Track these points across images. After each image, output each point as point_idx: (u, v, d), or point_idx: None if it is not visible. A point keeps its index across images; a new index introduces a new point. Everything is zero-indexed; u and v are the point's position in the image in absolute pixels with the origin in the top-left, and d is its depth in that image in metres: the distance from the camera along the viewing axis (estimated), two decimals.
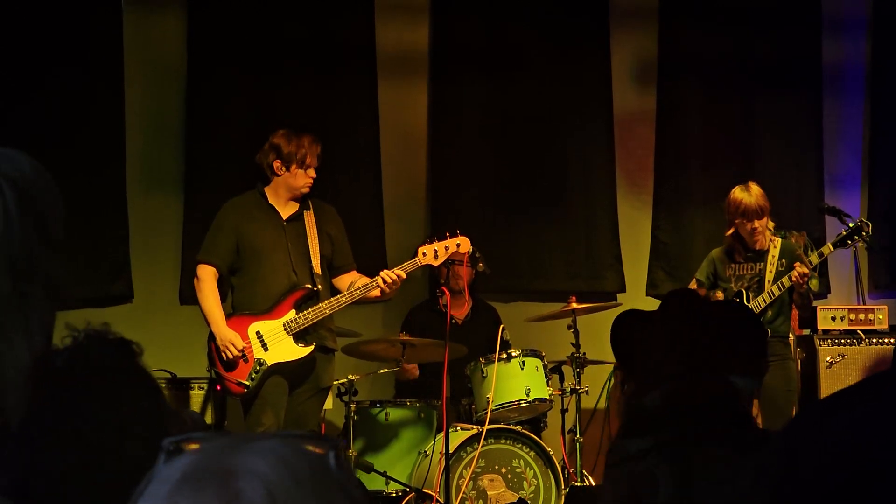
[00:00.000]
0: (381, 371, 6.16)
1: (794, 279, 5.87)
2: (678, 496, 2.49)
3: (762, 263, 6.05)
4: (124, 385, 1.53)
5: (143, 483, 0.98)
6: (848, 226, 6.13)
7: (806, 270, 5.87)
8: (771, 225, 6.08)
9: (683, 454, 2.51)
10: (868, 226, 6.09)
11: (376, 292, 5.45)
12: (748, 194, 5.96)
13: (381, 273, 5.41)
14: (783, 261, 6.03)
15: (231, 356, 5.30)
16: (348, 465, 1.03)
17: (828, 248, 6.03)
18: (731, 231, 6.06)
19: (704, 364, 2.69)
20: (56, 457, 1.45)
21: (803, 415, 1.68)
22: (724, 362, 2.71)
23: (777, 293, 5.95)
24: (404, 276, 5.44)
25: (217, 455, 0.97)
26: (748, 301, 5.97)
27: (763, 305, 5.95)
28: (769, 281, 6.01)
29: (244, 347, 5.33)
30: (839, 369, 6.69)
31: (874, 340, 6.71)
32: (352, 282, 5.53)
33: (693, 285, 6.15)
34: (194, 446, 1.00)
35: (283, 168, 5.45)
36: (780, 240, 6.10)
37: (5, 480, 1.43)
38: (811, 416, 1.65)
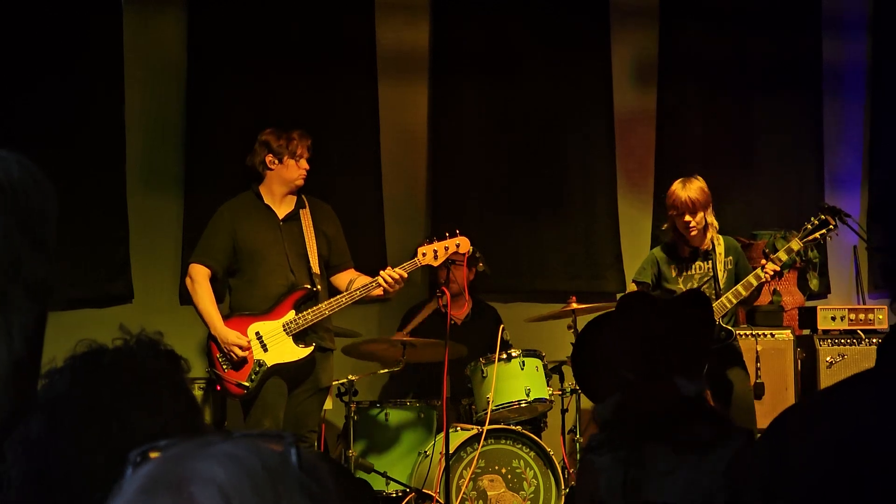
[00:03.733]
0: (381, 371, 6.15)
1: (763, 278, 5.70)
2: (619, 486, 2.78)
3: (710, 262, 5.89)
4: (166, 398, 1.51)
5: (110, 497, 0.99)
6: (820, 220, 5.92)
7: (777, 268, 5.72)
8: (716, 224, 5.90)
9: (628, 447, 2.79)
10: (836, 216, 5.89)
11: (378, 291, 5.45)
12: (682, 187, 5.80)
13: (382, 273, 5.41)
14: (730, 258, 5.90)
15: (237, 357, 5.29)
16: (313, 461, 1.02)
17: (797, 244, 5.82)
18: (665, 226, 5.92)
19: (651, 370, 2.84)
20: (80, 456, 1.44)
21: (789, 412, 1.68)
22: (670, 366, 2.82)
23: (744, 294, 5.76)
24: (405, 276, 5.44)
25: (173, 463, 0.97)
26: None
27: (729, 307, 5.78)
28: (723, 280, 5.86)
29: (246, 351, 5.32)
30: (839, 369, 6.70)
31: (874, 340, 6.70)
32: (350, 280, 5.52)
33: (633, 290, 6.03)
34: (156, 454, 1.00)
35: (276, 161, 5.47)
36: (722, 237, 5.94)
37: (25, 467, 1.42)
38: (797, 413, 1.65)
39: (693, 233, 5.82)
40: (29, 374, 1.20)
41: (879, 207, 7.43)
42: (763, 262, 5.76)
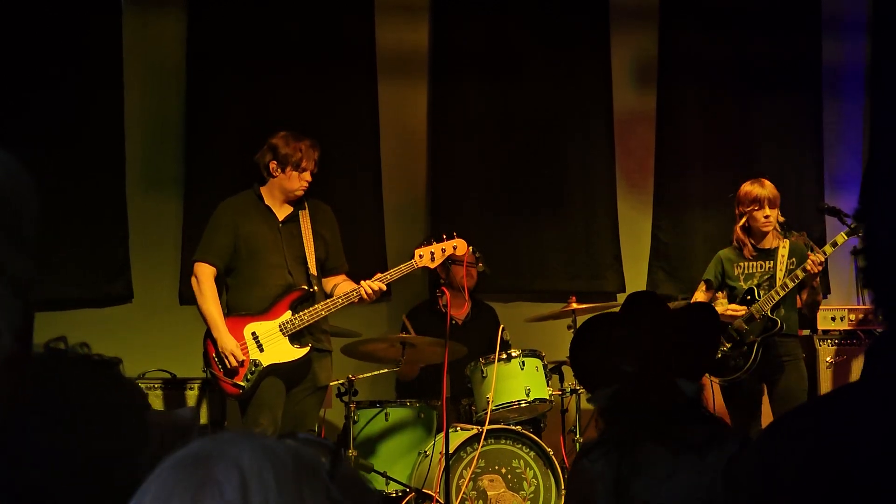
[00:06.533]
0: (381, 371, 6.15)
1: (809, 269, 5.86)
2: (614, 491, 2.66)
3: (772, 262, 6.02)
4: (103, 407, 1.49)
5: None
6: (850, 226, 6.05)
7: (822, 258, 5.87)
8: (781, 219, 6.07)
9: (622, 451, 2.68)
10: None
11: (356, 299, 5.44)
12: (761, 186, 6.02)
13: (363, 283, 5.39)
14: (793, 259, 6.01)
15: (230, 366, 5.31)
16: (351, 475, 1.06)
17: (841, 238, 5.96)
18: (741, 223, 6.03)
19: (652, 366, 2.78)
20: (57, 461, 1.43)
21: (781, 421, 1.68)
22: (672, 365, 2.80)
23: (791, 286, 5.93)
24: (384, 289, 5.43)
25: (210, 443, 1.02)
26: (759, 297, 5.95)
27: (776, 299, 5.92)
28: (781, 280, 5.98)
29: (243, 353, 5.33)
30: (839, 370, 6.69)
31: None
32: (335, 285, 5.52)
33: (702, 287, 6.14)
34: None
35: (279, 169, 5.45)
36: (788, 241, 6.07)
37: None
38: (788, 421, 1.65)
39: (768, 227, 6.01)
40: (20, 370, 1.20)
41: (859, 211, 7.42)
42: (810, 254, 5.91)
